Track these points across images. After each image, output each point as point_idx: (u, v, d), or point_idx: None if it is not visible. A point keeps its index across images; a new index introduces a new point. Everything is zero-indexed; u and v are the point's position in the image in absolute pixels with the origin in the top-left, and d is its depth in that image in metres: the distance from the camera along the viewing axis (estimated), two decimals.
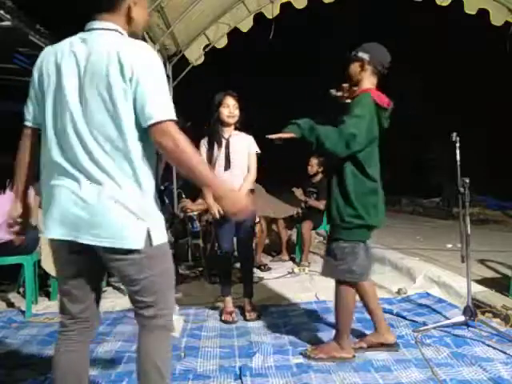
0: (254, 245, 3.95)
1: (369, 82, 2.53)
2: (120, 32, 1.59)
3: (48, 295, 3.87)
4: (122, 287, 4.07)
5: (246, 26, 5.63)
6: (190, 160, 1.50)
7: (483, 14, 5.08)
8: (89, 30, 1.59)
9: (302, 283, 4.28)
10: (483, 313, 3.16)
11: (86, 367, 1.75)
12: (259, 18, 5.56)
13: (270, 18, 5.47)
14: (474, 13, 5.11)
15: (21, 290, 3.94)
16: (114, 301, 3.80)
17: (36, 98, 1.63)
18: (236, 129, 3.34)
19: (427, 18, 10.37)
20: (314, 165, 5.28)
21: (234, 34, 5.70)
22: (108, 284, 4.24)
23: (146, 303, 1.63)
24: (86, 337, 1.73)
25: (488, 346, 2.67)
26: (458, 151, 3.06)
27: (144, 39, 4.99)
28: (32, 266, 3.55)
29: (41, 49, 4.07)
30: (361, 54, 2.52)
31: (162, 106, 1.49)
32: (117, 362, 2.57)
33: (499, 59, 7.56)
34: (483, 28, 5.51)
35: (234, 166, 3.26)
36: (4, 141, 3.67)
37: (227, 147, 3.27)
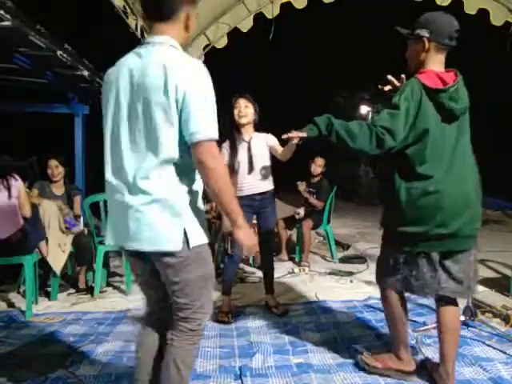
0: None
1: (434, 61, 2.13)
2: (173, 46, 1.63)
3: (48, 295, 3.87)
4: (122, 287, 4.08)
5: (245, 26, 5.63)
6: (223, 184, 1.56)
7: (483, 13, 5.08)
8: (145, 44, 1.65)
9: (302, 283, 4.28)
10: (483, 313, 3.16)
11: (153, 355, 1.82)
12: (259, 18, 5.56)
13: (270, 18, 5.47)
14: (473, 13, 5.10)
15: (21, 289, 3.94)
16: (114, 301, 3.80)
17: (104, 112, 1.71)
18: (256, 130, 3.36)
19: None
20: (319, 164, 5.25)
21: (234, 34, 5.69)
22: (108, 284, 4.24)
23: (180, 304, 1.70)
24: (160, 328, 1.81)
25: (488, 346, 2.67)
26: None
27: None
28: (32, 266, 3.55)
29: (41, 49, 4.05)
30: (419, 32, 2.10)
31: (206, 127, 1.53)
32: (117, 361, 2.57)
33: (499, 59, 7.56)
34: (483, 27, 5.51)
35: (257, 169, 3.29)
36: (4, 140, 3.68)
37: (249, 150, 3.29)
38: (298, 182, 5.16)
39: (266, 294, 3.53)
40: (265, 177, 3.33)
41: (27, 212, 3.56)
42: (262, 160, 3.31)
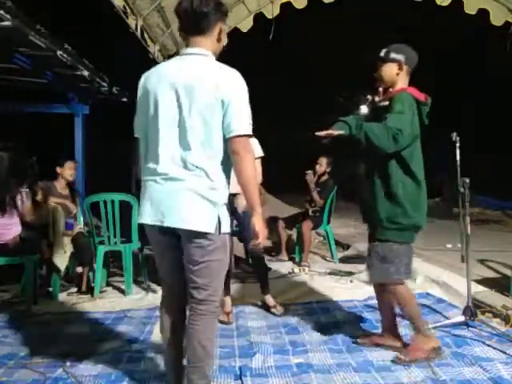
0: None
1: (403, 82, 2.52)
2: (207, 55, 1.89)
3: (49, 295, 3.87)
4: (122, 287, 4.08)
5: (245, 26, 5.63)
6: (251, 173, 1.83)
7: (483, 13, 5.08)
8: (183, 55, 1.92)
9: (302, 283, 4.28)
10: (483, 313, 3.16)
11: (183, 332, 2.01)
12: (259, 18, 5.57)
13: (270, 18, 5.47)
14: (473, 13, 5.11)
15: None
16: (114, 301, 3.80)
17: (141, 112, 1.96)
18: None
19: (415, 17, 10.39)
20: (323, 164, 5.25)
21: (234, 34, 5.70)
22: (108, 284, 4.24)
23: (199, 284, 1.90)
24: (181, 305, 2.03)
25: (488, 345, 2.67)
26: (458, 151, 3.06)
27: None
28: (32, 266, 3.55)
29: (41, 49, 4.04)
30: (395, 56, 2.49)
31: (242, 124, 1.81)
32: (117, 362, 2.57)
33: (499, 59, 7.57)
34: (483, 27, 5.51)
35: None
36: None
37: None
38: (308, 171, 5.15)
39: (262, 293, 3.53)
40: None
41: (32, 219, 3.60)
42: None
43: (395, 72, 2.50)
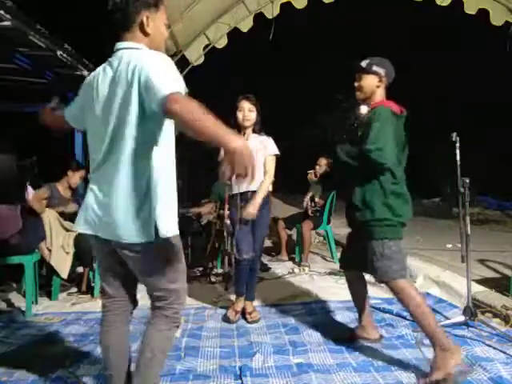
0: None
1: (381, 94, 2.59)
2: (138, 48, 1.69)
3: (49, 295, 3.87)
4: None
5: (246, 25, 5.64)
6: (196, 114, 1.43)
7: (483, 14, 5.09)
8: (115, 51, 1.73)
9: (302, 283, 4.28)
10: (483, 313, 3.16)
11: (126, 343, 1.96)
12: (259, 18, 5.58)
13: (270, 18, 5.48)
14: (473, 13, 5.11)
15: (23, 289, 3.93)
16: None
17: (80, 108, 1.88)
18: (254, 132, 3.32)
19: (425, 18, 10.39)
20: (323, 165, 5.26)
21: (234, 34, 5.71)
22: None
23: (154, 296, 1.80)
24: (123, 316, 1.95)
25: (488, 345, 2.67)
26: (457, 151, 3.07)
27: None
28: (32, 266, 3.55)
29: (41, 49, 4.02)
30: (376, 69, 2.56)
31: (167, 83, 1.49)
32: None
33: (498, 58, 7.57)
34: (483, 27, 5.52)
35: None
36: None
37: None
38: (309, 171, 5.16)
39: (246, 299, 3.39)
40: (256, 179, 3.17)
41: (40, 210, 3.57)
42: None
43: (376, 84, 2.57)
